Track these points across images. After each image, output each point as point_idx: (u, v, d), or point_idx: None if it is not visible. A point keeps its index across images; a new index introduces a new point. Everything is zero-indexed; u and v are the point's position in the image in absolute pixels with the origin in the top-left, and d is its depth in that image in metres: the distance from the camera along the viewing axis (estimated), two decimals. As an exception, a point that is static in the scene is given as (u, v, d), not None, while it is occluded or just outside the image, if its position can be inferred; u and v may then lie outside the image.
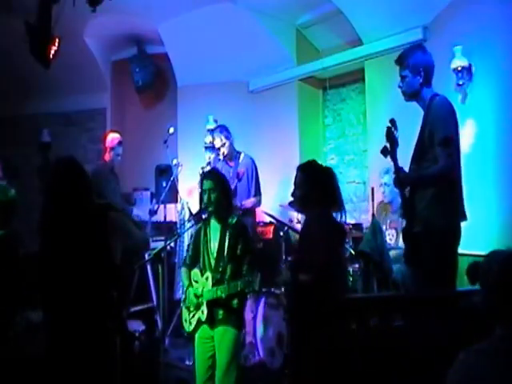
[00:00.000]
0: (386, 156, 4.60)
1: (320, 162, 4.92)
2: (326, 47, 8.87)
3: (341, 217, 4.72)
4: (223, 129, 7.57)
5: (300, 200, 4.77)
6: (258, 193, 7.50)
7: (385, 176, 6.41)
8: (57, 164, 4.30)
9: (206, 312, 4.80)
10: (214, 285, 4.79)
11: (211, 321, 4.82)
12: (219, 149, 7.55)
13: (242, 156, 7.61)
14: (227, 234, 4.93)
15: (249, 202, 7.38)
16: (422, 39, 7.01)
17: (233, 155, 7.60)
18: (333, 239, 4.59)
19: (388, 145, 4.56)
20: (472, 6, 6.27)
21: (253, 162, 7.58)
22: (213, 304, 4.80)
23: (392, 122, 4.61)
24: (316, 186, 4.67)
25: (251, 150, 7.85)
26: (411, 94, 4.79)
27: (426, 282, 4.57)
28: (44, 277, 4.07)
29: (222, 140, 7.47)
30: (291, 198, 4.90)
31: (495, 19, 5.95)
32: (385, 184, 6.50)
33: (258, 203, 7.55)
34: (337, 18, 7.92)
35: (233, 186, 7.08)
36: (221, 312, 4.82)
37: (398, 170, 4.60)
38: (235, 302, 4.82)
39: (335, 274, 4.57)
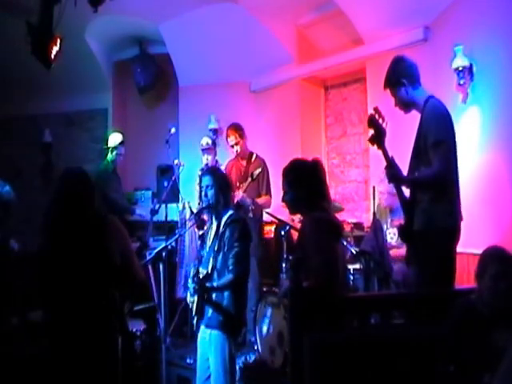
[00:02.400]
0: (373, 144, 4.58)
1: (304, 159, 4.90)
2: (327, 47, 8.87)
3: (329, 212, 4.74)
4: (239, 127, 7.63)
5: (289, 204, 4.74)
6: (269, 193, 7.52)
7: (380, 185, 6.40)
8: (66, 175, 4.31)
9: (195, 307, 4.88)
10: (203, 279, 4.84)
11: (202, 317, 4.89)
12: (233, 146, 7.61)
13: (253, 157, 7.65)
14: (221, 228, 4.96)
15: (261, 199, 7.41)
16: (423, 39, 7.05)
17: (245, 154, 7.64)
18: (327, 238, 4.61)
19: (373, 132, 4.56)
20: (473, 5, 6.26)
21: (264, 163, 7.59)
22: (204, 301, 4.84)
23: (375, 109, 4.61)
24: (301, 187, 4.67)
25: (253, 150, 7.85)
26: (406, 105, 4.79)
27: (426, 280, 4.57)
28: (44, 276, 4.08)
29: (236, 138, 7.56)
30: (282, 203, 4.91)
31: (496, 19, 5.95)
32: (380, 192, 6.50)
33: (269, 204, 7.53)
34: (338, 18, 7.92)
35: (245, 185, 7.16)
36: (210, 310, 4.86)
37: (389, 162, 4.58)
38: (225, 301, 4.83)
39: (333, 272, 4.60)
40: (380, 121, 4.55)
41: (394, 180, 4.69)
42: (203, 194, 5.04)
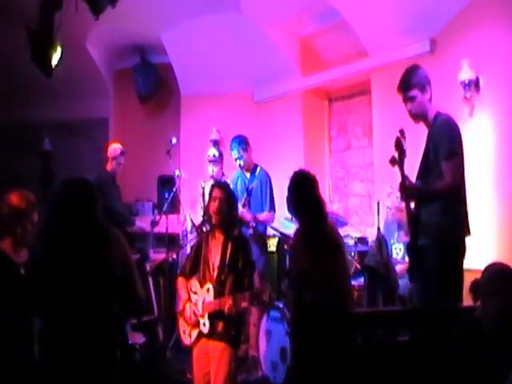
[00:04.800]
0: (393, 166, 4.54)
1: (305, 170, 5.09)
2: (331, 58, 8.84)
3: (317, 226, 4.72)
4: (242, 140, 7.47)
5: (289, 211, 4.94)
6: (271, 208, 7.33)
7: (388, 199, 6.36)
8: (68, 184, 4.23)
9: (207, 325, 4.78)
10: (215, 297, 4.76)
11: (212, 333, 4.79)
12: (236, 160, 7.47)
13: (258, 170, 7.50)
14: (229, 245, 4.89)
15: (262, 216, 7.24)
16: (429, 51, 7.01)
17: (250, 167, 7.50)
18: (327, 251, 4.58)
19: (396, 155, 4.51)
20: (479, 19, 6.26)
21: (267, 176, 7.45)
22: (213, 316, 4.76)
23: (401, 131, 4.55)
24: (293, 196, 4.85)
25: (255, 161, 7.77)
26: (422, 114, 4.74)
27: (432, 296, 4.52)
28: (43, 286, 4.01)
29: (239, 152, 7.39)
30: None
31: (503, 32, 5.95)
32: (387, 207, 6.45)
33: (271, 219, 7.37)
34: (343, 29, 7.88)
35: (243, 200, 7.07)
36: (221, 324, 4.77)
37: (404, 181, 4.54)
38: (236, 315, 4.77)
39: (336, 287, 4.56)
40: (403, 143, 4.52)
41: (410, 196, 4.64)
42: (212, 205, 4.96)
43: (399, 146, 4.50)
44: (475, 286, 3.76)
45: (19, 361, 4.12)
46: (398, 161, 4.50)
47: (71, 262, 3.91)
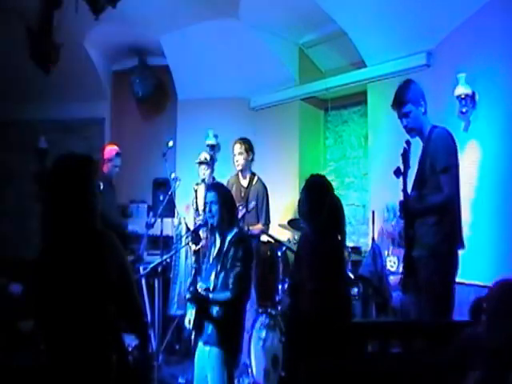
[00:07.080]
0: (398, 177, 4.60)
1: (324, 180, 5.00)
2: (328, 68, 8.87)
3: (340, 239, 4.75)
4: (247, 141, 7.45)
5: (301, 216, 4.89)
6: (267, 221, 7.31)
7: (385, 224, 6.41)
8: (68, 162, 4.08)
9: (192, 320, 4.79)
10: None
11: (200, 333, 4.80)
12: (236, 156, 7.41)
13: (255, 179, 7.44)
14: (225, 245, 4.89)
15: (256, 229, 7.18)
16: (426, 64, 7.02)
17: (248, 173, 7.48)
18: (327, 261, 4.59)
19: (402, 166, 4.58)
20: (476, 33, 6.28)
21: (265, 188, 7.40)
22: (203, 316, 4.76)
23: (408, 143, 4.66)
24: (311, 201, 4.77)
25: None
26: (417, 128, 4.85)
27: (425, 307, 4.57)
28: (39, 288, 4.01)
29: (240, 147, 7.36)
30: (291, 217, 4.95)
31: (500, 47, 5.97)
32: (386, 231, 6.50)
33: (266, 232, 7.32)
34: (340, 39, 7.92)
35: (242, 210, 6.92)
36: (210, 327, 4.76)
37: (406, 199, 4.59)
38: (226, 318, 4.75)
39: (331, 298, 4.57)
40: (409, 155, 4.60)
41: (408, 215, 4.69)
42: (207, 209, 4.96)
43: (406, 157, 4.58)
44: (478, 304, 3.72)
45: (14, 364, 4.14)
46: (403, 172, 4.57)
47: (67, 266, 3.92)
